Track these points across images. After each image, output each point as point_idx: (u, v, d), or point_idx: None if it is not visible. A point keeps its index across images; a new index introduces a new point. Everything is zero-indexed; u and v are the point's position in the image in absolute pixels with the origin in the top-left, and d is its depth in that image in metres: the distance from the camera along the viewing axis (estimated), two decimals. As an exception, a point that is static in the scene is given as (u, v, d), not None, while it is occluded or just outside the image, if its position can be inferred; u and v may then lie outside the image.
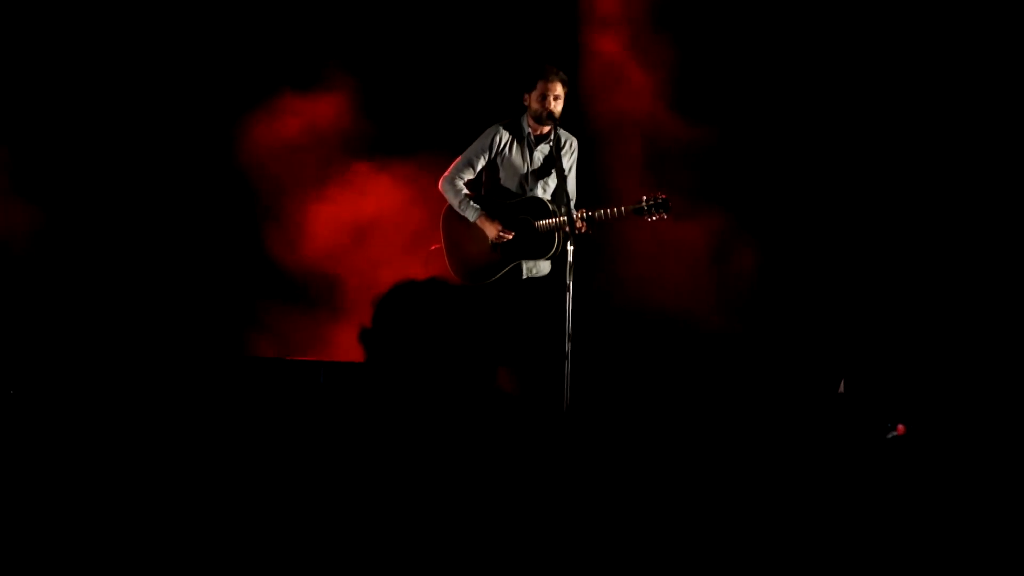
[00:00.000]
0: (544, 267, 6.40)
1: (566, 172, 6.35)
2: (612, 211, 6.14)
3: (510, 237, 6.30)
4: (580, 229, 6.10)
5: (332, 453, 5.87)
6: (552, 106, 6.26)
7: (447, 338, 6.91)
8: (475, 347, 6.61)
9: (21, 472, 5.17)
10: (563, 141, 6.36)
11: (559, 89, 6.28)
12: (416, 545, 4.49)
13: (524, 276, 6.37)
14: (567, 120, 6.42)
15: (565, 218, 6.10)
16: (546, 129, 6.35)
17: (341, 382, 6.95)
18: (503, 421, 6.22)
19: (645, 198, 6.10)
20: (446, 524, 4.75)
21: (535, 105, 6.30)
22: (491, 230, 6.32)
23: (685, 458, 5.95)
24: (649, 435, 6.44)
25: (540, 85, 6.28)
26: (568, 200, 6.22)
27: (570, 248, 6.06)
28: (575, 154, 6.46)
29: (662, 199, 6.07)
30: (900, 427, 6.37)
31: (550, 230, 6.24)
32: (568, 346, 5.97)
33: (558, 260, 6.26)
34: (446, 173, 6.47)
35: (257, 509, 4.87)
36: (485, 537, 4.60)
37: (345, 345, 7.79)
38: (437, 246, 6.58)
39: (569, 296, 6.03)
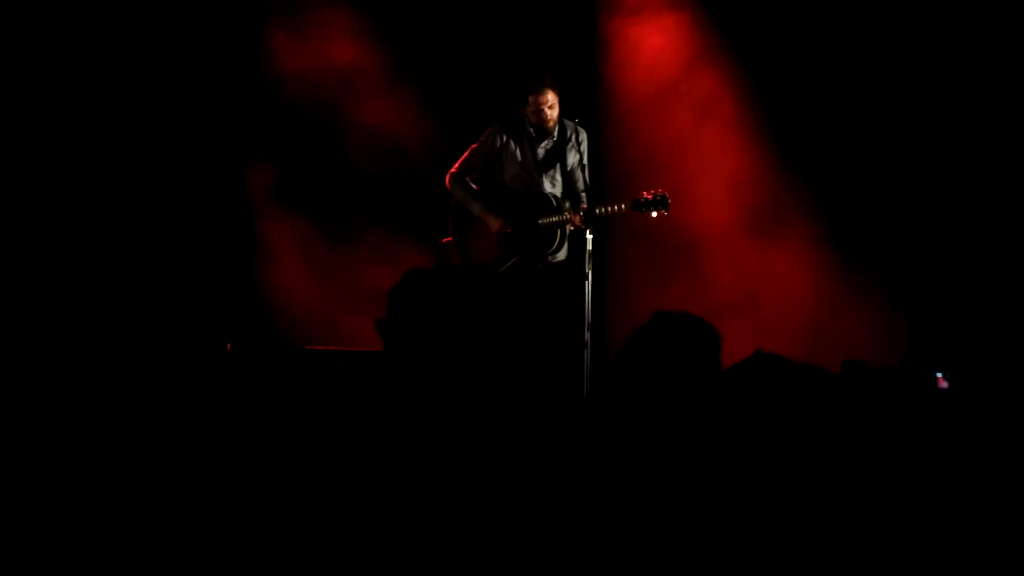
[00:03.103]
0: (560, 254, 6.36)
1: (575, 164, 6.31)
2: (612, 207, 6.10)
3: (510, 231, 6.28)
4: (576, 225, 6.07)
5: (347, 443, 5.85)
6: (548, 116, 6.21)
7: (463, 325, 6.87)
8: (491, 335, 6.57)
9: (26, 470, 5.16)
10: (569, 134, 6.31)
11: (550, 97, 6.21)
12: (430, 536, 4.47)
13: (540, 264, 6.34)
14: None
15: (566, 215, 6.09)
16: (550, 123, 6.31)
17: (357, 371, 6.94)
18: (521, 409, 6.20)
19: (645, 194, 6.07)
20: (461, 514, 4.73)
21: (532, 119, 6.26)
22: (494, 224, 6.32)
23: (706, 447, 5.92)
24: (671, 424, 6.41)
25: (531, 100, 6.22)
26: (580, 192, 6.21)
27: (588, 236, 6.03)
28: (584, 145, 6.39)
29: (661, 195, 6.03)
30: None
31: (551, 226, 6.21)
32: (587, 334, 5.94)
33: (577, 248, 6.23)
34: (452, 169, 6.47)
35: (265, 500, 4.86)
36: (500, 527, 4.58)
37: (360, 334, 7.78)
38: (448, 239, 6.56)
39: (588, 284, 6.00)
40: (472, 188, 6.38)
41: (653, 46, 7.90)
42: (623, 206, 6.09)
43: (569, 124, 6.32)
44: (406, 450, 5.78)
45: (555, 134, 6.25)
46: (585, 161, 6.35)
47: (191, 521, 4.57)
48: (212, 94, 7.88)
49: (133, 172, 7.73)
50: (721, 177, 7.71)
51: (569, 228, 6.12)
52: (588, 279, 6.02)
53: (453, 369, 6.68)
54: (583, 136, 6.38)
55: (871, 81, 7.50)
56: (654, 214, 6.05)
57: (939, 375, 6.51)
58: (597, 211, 6.10)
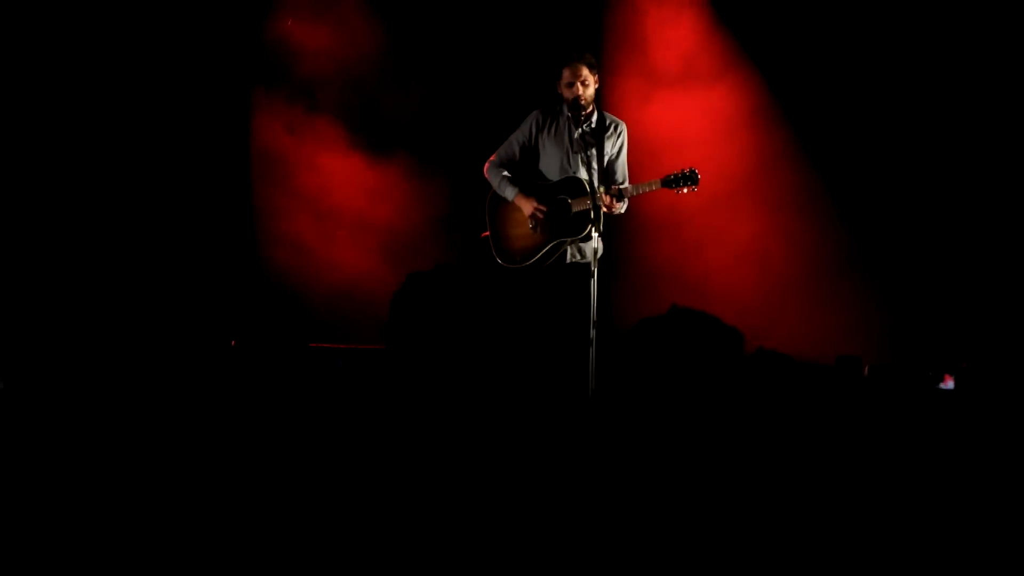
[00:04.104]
0: (589, 250, 6.32)
1: (613, 155, 6.30)
2: (642, 186, 6.09)
3: (543, 215, 6.23)
4: (609, 207, 6.04)
5: (355, 439, 5.83)
6: (580, 91, 6.18)
7: (466, 326, 6.84)
8: (503, 332, 6.55)
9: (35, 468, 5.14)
10: (608, 123, 6.29)
11: (583, 72, 6.20)
12: (439, 531, 4.44)
13: (568, 260, 6.30)
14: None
15: (598, 196, 6.05)
16: (587, 111, 6.28)
17: (362, 368, 6.90)
18: (528, 406, 6.18)
19: (675, 171, 6.05)
20: (468, 509, 4.71)
21: (565, 93, 6.23)
22: (527, 207, 6.27)
23: (707, 444, 5.90)
24: (673, 421, 6.39)
25: (565, 73, 6.21)
26: (618, 184, 6.19)
27: (595, 234, 6.00)
28: (622, 137, 6.37)
29: (690, 171, 6.02)
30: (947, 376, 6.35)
31: (585, 209, 6.17)
32: (593, 332, 5.90)
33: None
34: (491, 158, 6.44)
35: (270, 497, 4.83)
36: (506, 522, 4.56)
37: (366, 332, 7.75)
38: (486, 233, 6.52)
39: (594, 282, 5.96)
40: (507, 175, 6.36)
41: (657, 35, 7.88)
42: (652, 184, 6.07)
43: (608, 116, 6.32)
44: (412, 447, 5.75)
45: (593, 122, 6.22)
46: (625, 154, 6.34)
47: (194, 515, 4.55)
48: (213, 87, 7.85)
49: (137, 166, 7.70)
50: (724, 171, 7.68)
51: (603, 211, 6.07)
52: (594, 276, 5.97)
53: (457, 369, 6.62)
54: (623, 128, 6.37)
55: (880, 76, 7.47)
56: (684, 190, 6.04)
57: (946, 375, 6.49)
58: (626, 191, 6.09)
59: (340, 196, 8.14)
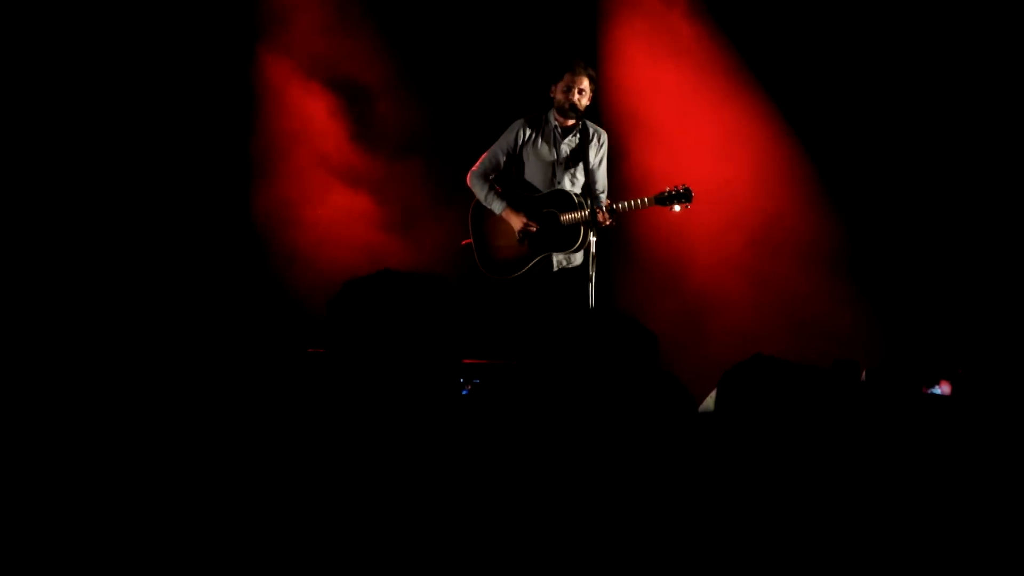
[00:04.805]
0: (576, 258, 6.33)
1: (595, 165, 6.30)
2: (635, 202, 6.09)
3: (535, 229, 6.24)
4: (603, 222, 6.04)
5: (343, 445, 5.83)
6: (576, 99, 6.19)
7: (406, 336, 6.86)
8: (439, 343, 6.55)
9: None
10: (591, 134, 6.31)
11: (585, 83, 6.22)
12: (437, 533, 4.45)
13: (555, 268, 6.32)
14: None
15: (588, 212, 6.06)
16: (573, 122, 6.29)
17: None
18: (518, 412, 6.18)
19: (668, 188, 6.05)
20: (460, 515, 4.71)
21: (559, 96, 6.24)
22: (516, 222, 6.28)
23: (702, 447, 5.89)
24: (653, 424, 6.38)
25: (567, 77, 6.23)
26: (598, 193, 6.20)
27: (592, 239, 6.02)
28: (605, 147, 6.40)
29: (684, 188, 6.02)
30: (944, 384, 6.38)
31: (575, 223, 6.18)
32: (593, 335, 5.92)
33: (587, 251, 6.23)
34: (474, 168, 6.45)
35: (267, 500, 4.83)
36: (500, 525, 4.56)
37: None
38: (468, 241, 6.52)
39: (592, 286, 5.98)
40: (494, 187, 6.36)
41: (651, 38, 7.89)
42: (645, 200, 6.07)
43: (591, 124, 6.33)
44: (401, 453, 5.74)
45: (579, 132, 6.23)
46: (605, 163, 6.36)
47: (189, 522, 4.55)
48: (214, 86, 7.85)
49: (136, 164, 7.69)
50: (717, 173, 7.68)
51: (601, 224, 6.07)
52: (592, 281, 5.99)
53: (451, 371, 6.62)
54: (604, 137, 6.40)
55: (878, 75, 7.47)
56: (677, 208, 6.03)
57: (943, 380, 6.50)
58: (618, 207, 6.08)
59: (343, 197, 8.15)
